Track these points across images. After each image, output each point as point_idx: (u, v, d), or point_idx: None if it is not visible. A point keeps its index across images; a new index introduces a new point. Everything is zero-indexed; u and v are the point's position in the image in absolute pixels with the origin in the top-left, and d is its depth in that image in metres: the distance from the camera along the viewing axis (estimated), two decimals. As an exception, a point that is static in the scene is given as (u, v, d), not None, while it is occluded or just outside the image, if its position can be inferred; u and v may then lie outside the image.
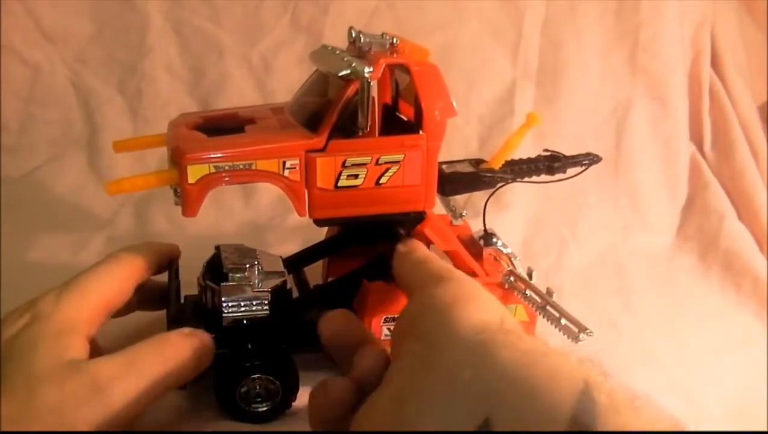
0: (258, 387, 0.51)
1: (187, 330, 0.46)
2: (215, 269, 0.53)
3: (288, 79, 0.86)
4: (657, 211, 0.90)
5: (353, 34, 0.52)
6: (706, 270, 0.80)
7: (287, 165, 0.49)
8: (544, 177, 0.62)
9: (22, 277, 0.68)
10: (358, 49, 0.52)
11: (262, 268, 0.53)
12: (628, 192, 0.91)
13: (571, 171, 0.63)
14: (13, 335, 0.41)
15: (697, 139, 0.96)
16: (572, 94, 0.93)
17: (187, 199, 0.48)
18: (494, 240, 0.62)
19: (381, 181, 0.51)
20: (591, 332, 0.53)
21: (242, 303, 0.50)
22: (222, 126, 0.53)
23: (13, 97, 0.87)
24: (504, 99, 0.90)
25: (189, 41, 0.89)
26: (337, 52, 0.54)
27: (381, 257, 0.54)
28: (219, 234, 0.78)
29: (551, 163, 0.61)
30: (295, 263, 0.60)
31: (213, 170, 0.48)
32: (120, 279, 0.48)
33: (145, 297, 0.55)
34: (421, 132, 0.52)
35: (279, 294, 0.52)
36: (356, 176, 0.51)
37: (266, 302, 0.51)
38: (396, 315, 0.51)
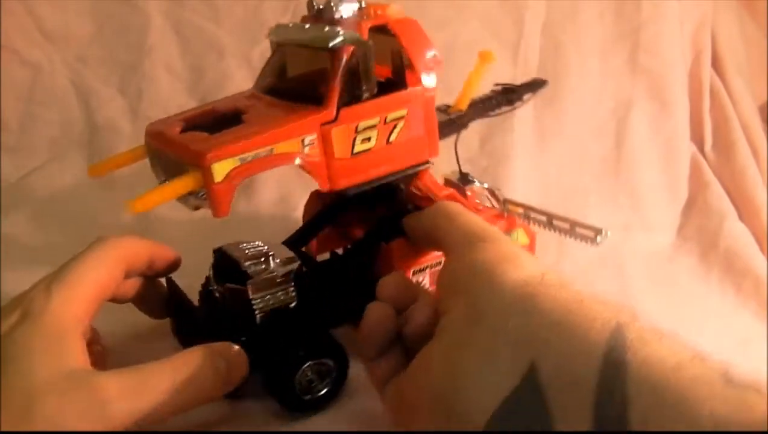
0: (310, 372, 0.51)
1: (218, 345, 0.45)
2: (224, 272, 0.53)
3: (288, 79, 0.86)
4: (657, 211, 0.89)
5: (317, 6, 0.53)
6: (706, 271, 0.80)
7: (306, 142, 0.49)
8: (504, 109, 0.66)
9: (22, 277, 0.68)
10: (329, 19, 0.53)
11: (275, 257, 0.52)
12: (628, 192, 0.91)
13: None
14: (5, 334, 0.40)
15: (697, 139, 0.96)
16: (573, 93, 0.93)
17: (216, 198, 0.47)
18: (470, 177, 0.65)
19: (391, 139, 0.53)
20: (608, 232, 0.56)
21: (269, 296, 0.50)
22: (211, 122, 0.52)
23: (13, 97, 0.87)
24: (504, 99, 0.90)
25: (189, 41, 0.89)
26: (307, 26, 0.54)
27: (390, 218, 0.56)
28: (221, 231, 0.77)
29: (509, 96, 0.65)
30: (295, 243, 0.61)
31: (238, 163, 0.47)
32: (108, 263, 0.47)
33: (144, 297, 0.54)
34: (407, 87, 0.54)
35: (299, 277, 0.52)
36: (369, 139, 0.52)
37: (292, 290, 0.51)
38: (422, 266, 0.56)
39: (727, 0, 1.00)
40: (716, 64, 0.98)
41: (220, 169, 0.46)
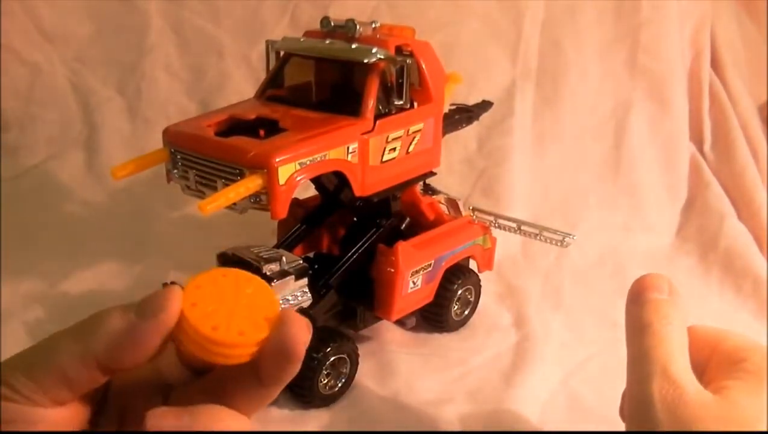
0: (331, 370, 0.53)
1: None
2: None
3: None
4: (657, 211, 0.90)
5: (330, 23, 0.57)
6: (706, 271, 0.80)
7: (350, 149, 0.53)
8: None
9: (22, 274, 0.68)
10: (348, 36, 0.56)
11: (284, 259, 0.53)
12: (628, 192, 0.91)
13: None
14: None
15: (697, 139, 0.96)
16: (572, 94, 0.93)
17: (278, 200, 0.49)
18: (435, 188, 0.69)
19: (410, 150, 0.58)
20: (574, 235, 0.62)
21: (289, 297, 0.52)
22: (246, 128, 0.54)
23: (13, 96, 0.87)
24: (504, 99, 0.90)
25: (189, 41, 0.89)
26: (328, 41, 0.56)
27: (390, 223, 0.60)
28: (215, 232, 0.77)
29: (468, 114, 0.70)
30: (287, 247, 0.62)
31: (298, 167, 0.49)
32: None
33: None
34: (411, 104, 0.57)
35: (309, 278, 0.54)
36: (395, 149, 0.56)
37: (306, 290, 0.53)
38: (417, 268, 0.58)
39: (726, 0, 1.00)
40: (715, 64, 0.98)
41: (284, 172, 0.48)
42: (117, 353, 0.29)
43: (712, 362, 0.38)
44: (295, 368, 0.31)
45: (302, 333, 0.30)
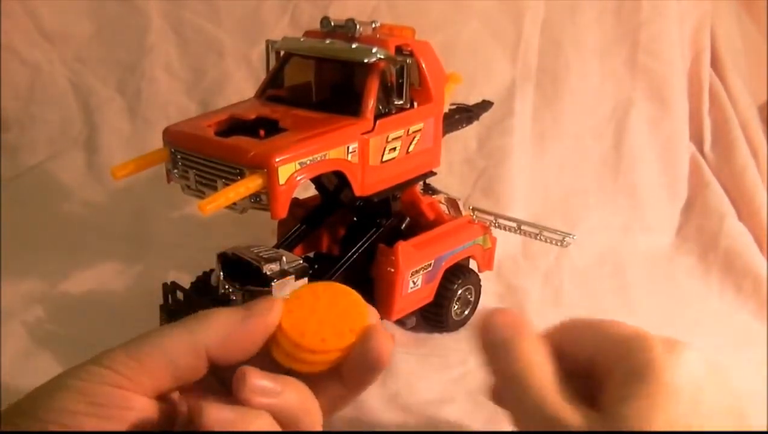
0: None
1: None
2: (234, 274, 0.54)
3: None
4: (657, 211, 0.90)
5: (330, 23, 0.57)
6: (706, 271, 0.80)
7: (350, 149, 0.53)
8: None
9: (22, 274, 0.68)
10: (348, 35, 0.56)
11: (284, 259, 0.53)
12: (628, 192, 0.91)
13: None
14: None
15: (697, 139, 0.96)
16: (572, 94, 0.93)
17: (278, 200, 0.49)
18: (435, 188, 0.70)
19: (410, 150, 0.58)
20: (574, 235, 0.63)
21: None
22: (245, 128, 0.54)
23: (13, 96, 0.87)
24: (504, 99, 0.90)
25: (189, 41, 0.89)
26: (328, 41, 0.56)
27: (390, 223, 0.61)
28: (215, 232, 0.77)
29: (468, 114, 0.70)
30: (287, 247, 0.62)
31: (298, 167, 0.49)
32: None
33: None
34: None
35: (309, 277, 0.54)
36: (395, 149, 0.57)
37: None
38: (417, 268, 0.59)
39: (726, 0, 1.00)
40: (715, 64, 0.98)
41: (284, 172, 0.49)
42: (225, 345, 0.32)
43: (599, 357, 0.36)
44: (377, 376, 0.33)
45: (386, 344, 0.33)
